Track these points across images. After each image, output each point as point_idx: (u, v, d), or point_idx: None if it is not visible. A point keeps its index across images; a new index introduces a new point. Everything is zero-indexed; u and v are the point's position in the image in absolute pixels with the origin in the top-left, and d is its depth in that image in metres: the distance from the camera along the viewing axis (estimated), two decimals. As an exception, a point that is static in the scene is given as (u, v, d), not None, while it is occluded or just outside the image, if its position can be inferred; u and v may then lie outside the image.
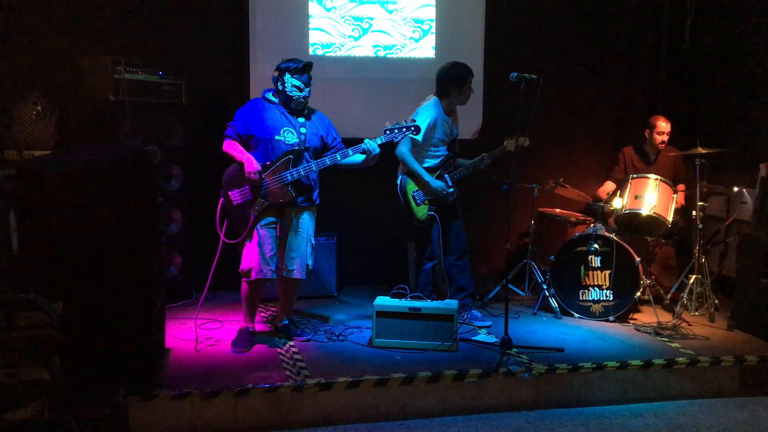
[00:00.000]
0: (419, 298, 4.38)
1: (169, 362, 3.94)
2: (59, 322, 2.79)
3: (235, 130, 4.18)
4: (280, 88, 4.16)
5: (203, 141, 5.24)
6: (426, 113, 4.67)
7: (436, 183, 4.68)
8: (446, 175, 4.75)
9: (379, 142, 4.18)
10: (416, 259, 5.06)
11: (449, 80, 4.68)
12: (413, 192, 4.75)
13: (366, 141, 4.15)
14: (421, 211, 4.75)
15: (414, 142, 4.66)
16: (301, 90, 4.14)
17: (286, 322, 4.51)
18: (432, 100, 4.75)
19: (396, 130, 4.20)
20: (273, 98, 4.23)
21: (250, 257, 4.15)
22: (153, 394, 3.47)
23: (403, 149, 4.66)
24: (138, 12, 5.28)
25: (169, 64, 5.12)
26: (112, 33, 5.19)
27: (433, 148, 4.75)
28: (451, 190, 4.73)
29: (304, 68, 4.15)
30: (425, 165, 4.74)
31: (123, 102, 4.66)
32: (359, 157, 4.20)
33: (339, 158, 4.16)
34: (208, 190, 4.58)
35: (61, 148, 4.67)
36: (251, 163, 4.08)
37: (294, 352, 4.18)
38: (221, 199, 4.16)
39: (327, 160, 4.16)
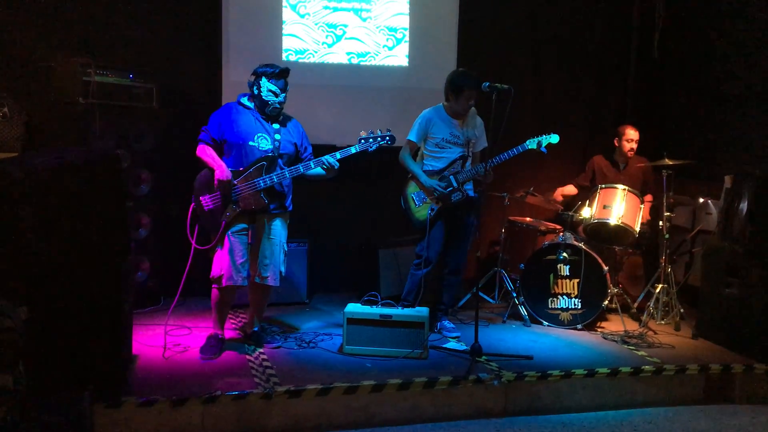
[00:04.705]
0: (390, 305, 4.39)
1: (137, 369, 3.89)
2: (24, 328, 2.73)
3: (210, 135, 4.15)
4: (256, 92, 4.14)
5: (174, 145, 5.20)
6: (420, 115, 4.77)
7: (429, 182, 4.67)
8: (451, 177, 4.70)
9: (353, 151, 4.18)
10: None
11: (448, 85, 4.71)
12: (413, 193, 4.76)
13: (326, 156, 4.14)
14: (421, 212, 4.73)
15: (411, 144, 4.74)
16: (276, 95, 4.12)
17: (257, 328, 4.48)
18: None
19: (371, 140, 4.20)
20: (248, 103, 4.21)
21: (221, 264, 4.12)
22: (119, 401, 3.42)
23: (402, 151, 4.72)
24: (110, 14, 5.22)
25: (141, 67, 5.07)
26: (82, 35, 5.13)
27: (437, 149, 4.73)
28: (449, 189, 4.66)
29: (280, 73, 4.13)
30: (431, 167, 4.74)
31: (92, 105, 4.60)
32: (321, 170, 4.21)
33: (302, 170, 4.15)
34: (178, 195, 4.53)
35: (28, 150, 4.60)
36: (222, 171, 4.06)
37: (263, 359, 4.16)
38: (192, 204, 4.13)
39: (301, 168, 4.14)
